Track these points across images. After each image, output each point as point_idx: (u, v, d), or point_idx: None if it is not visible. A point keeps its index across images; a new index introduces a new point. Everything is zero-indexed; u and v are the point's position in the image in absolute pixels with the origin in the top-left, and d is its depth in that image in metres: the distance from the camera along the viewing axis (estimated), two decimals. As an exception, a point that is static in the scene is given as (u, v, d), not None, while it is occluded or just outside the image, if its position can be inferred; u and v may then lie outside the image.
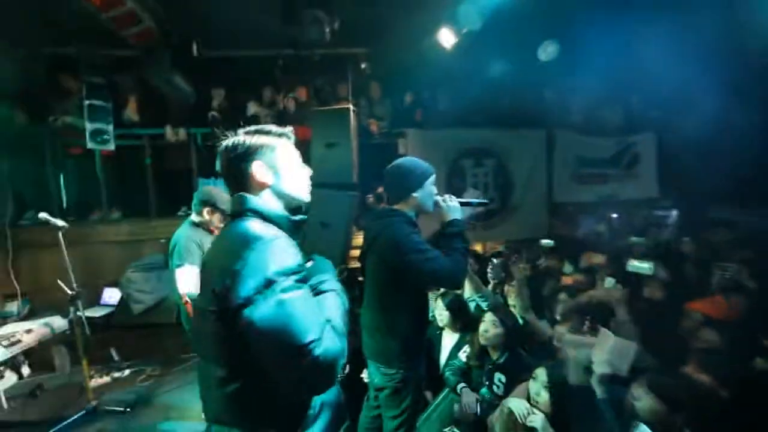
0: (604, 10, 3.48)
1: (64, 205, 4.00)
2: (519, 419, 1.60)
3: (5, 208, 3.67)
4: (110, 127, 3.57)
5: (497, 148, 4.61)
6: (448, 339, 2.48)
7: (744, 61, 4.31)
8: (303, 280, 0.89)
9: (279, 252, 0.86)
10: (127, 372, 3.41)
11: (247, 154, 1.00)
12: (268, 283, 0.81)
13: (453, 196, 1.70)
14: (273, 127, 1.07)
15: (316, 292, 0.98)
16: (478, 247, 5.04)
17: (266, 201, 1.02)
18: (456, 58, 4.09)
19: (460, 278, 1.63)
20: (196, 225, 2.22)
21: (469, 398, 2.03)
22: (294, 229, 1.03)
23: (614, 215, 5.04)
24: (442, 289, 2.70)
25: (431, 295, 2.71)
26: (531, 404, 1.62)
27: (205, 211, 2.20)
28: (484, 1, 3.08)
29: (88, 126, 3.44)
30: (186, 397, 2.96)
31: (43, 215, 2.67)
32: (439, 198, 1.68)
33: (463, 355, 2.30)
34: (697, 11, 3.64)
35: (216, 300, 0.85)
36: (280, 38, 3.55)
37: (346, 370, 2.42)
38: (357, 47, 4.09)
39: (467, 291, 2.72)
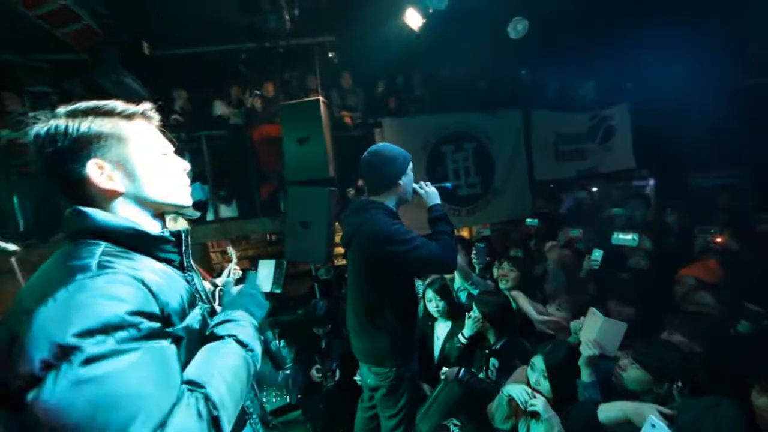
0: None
1: (21, 227, 3.71)
2: (521, 405, 1.55)
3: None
4: (62, 139, 3.29)
5: (477, 131, 4.56)
6: (442, 329, 2.43)
7: (712, 27, 4.39)
8: (149, 334, 0.60)
9: (100, 297, 0.57)
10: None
11: (75, 150, 0.67)
12: (63, 353, 0.52)
13: (429, 183, 1.67)
14: (119, 104, 0.73)
15: (210, 337, 0.74)
16: (464, 233, 5.02)
17: (118, 214, 0.72)
18: (427, 42, 3.98)
19: (452, 261, 1.56)
20: None
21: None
22: (177, 248, 0.77)
23: (594, 189, 5.11)
24: (429, 279, 2.65)
25: (419, 286, 2.64)
26: (532, 389, 1.57)
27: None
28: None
29: (36, 139, 3.16)
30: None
31: None
32: (416, 185, 1.64)
33: (461, 338, 2.24)
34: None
35: None
36: (240, 31, 3.35)
37: (337, 376, 2.35)
38: (323, 36, 3.92)
39: (457, 281, 2.68)
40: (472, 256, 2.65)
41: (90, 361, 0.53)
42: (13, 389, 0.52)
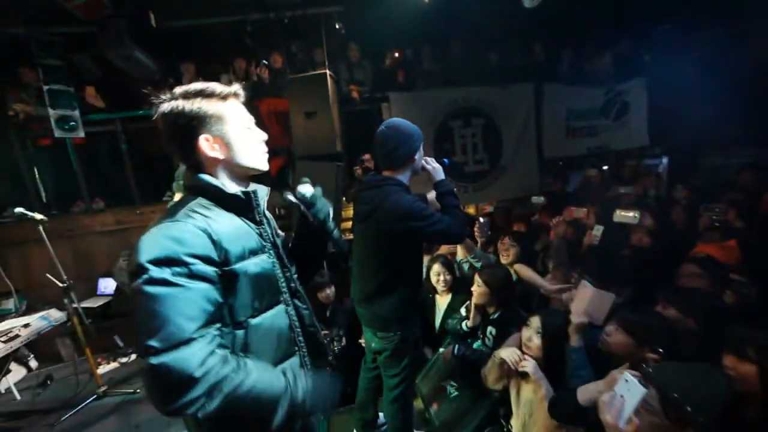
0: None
1: (44, 199, 3.88)
2: (511, 366, 1.65)
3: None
4: (76, 113, 3.36)
5: (486, 106, 4.46)
6: (442, 301, 2.53)
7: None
8: (197, 275, 0.78)
9: (170, 238, 0.78)
10: (133, 356, 3.50)
11: (190, 126, 0.87)
12: (139, 270, 0.75)
13: (432, 159, 1.72)
14: (217, 87, 0.91)
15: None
16: (470, 210, 5.04)
17: (218, 177, 0.93)
18: (437, 12, 3.84)
19: (464, 232, 1.70)
20: None
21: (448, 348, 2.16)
22: (244, 205, 0.94)
23: (605, 167, 5.02)
24: (435, 253, 2.74)
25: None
26: (522, 351, 1.67)
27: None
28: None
29: (52, 113, 3.24)
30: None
31: (18, 210, 2.61)
32: (423, 162, 1.69)
33: (464, 310, 2.34)
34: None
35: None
36: (246, 1, 3.29)
37: (343, 342, 2.50)
38: (330, 6, 3.80)
39: (459, 253, 2.75)
40: (476, 230, 2.71)
41: (149, 281, 0.74)
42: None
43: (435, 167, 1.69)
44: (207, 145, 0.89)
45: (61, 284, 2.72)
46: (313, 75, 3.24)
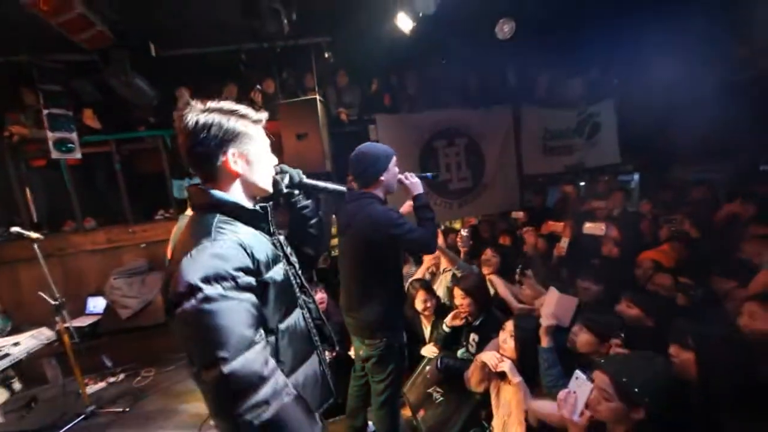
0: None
1: (35, 218, 3.91)
2: (491, 368, 1.79)
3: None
4: (74, 135, 3.48)
5: (468, 127, 4.74)
6: (428, 321, 2.65)
7: (698, 23, 4.53)
8: (243, 286, 0.84)
9: (215, 256, 0.82)
10: (121, 376, 3.47)
11: (224, 140, 0.91)
12: (192, 290, 0.78)
13: (412, 173, 1.87)
14: (250, 111, 0.97)
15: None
16: (456, 224, 5.24)
17: (232, 193, 0.96)
18: (419, 43, 4.14)
19: (433, 243, 1.82)
20: None
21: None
22: (262, 219, 1.01)
23: (582, 183, 5.31)
24: (415, 276, 2.88)
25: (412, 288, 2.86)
26: (500, 353, 1.81)
27: None
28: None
29: (51, 135, 3.35)
30: (182, 390, 3.08)
31: (15, 229, 2.67)
32: (401, 176, 1.84)
33: (445, 326, 2.46)
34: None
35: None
36: (240, 32, 3.52)
37: (336, 352, 2.58)
38: (319, 36, 4.08)
39: (444, 263, 2.91)
40: (458, 240, 2.88)
41: (206, 299, 0.79)
42: (170, 306, 0.83)
43: (413, 182, 1.84)
44: (233, 159, 0.93)
45: (53, 302, 2.74)
46: (304, 100, 3.45)
